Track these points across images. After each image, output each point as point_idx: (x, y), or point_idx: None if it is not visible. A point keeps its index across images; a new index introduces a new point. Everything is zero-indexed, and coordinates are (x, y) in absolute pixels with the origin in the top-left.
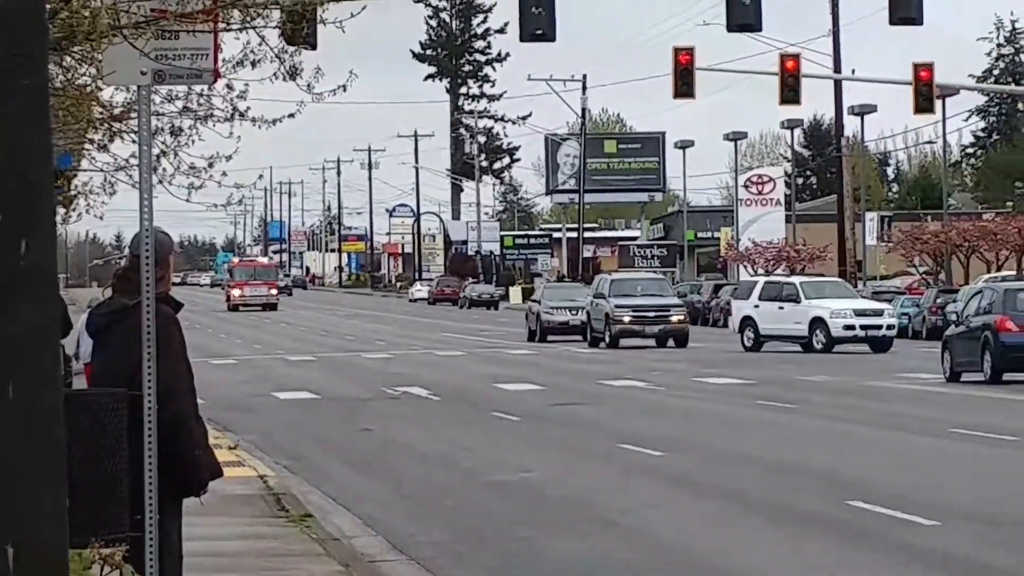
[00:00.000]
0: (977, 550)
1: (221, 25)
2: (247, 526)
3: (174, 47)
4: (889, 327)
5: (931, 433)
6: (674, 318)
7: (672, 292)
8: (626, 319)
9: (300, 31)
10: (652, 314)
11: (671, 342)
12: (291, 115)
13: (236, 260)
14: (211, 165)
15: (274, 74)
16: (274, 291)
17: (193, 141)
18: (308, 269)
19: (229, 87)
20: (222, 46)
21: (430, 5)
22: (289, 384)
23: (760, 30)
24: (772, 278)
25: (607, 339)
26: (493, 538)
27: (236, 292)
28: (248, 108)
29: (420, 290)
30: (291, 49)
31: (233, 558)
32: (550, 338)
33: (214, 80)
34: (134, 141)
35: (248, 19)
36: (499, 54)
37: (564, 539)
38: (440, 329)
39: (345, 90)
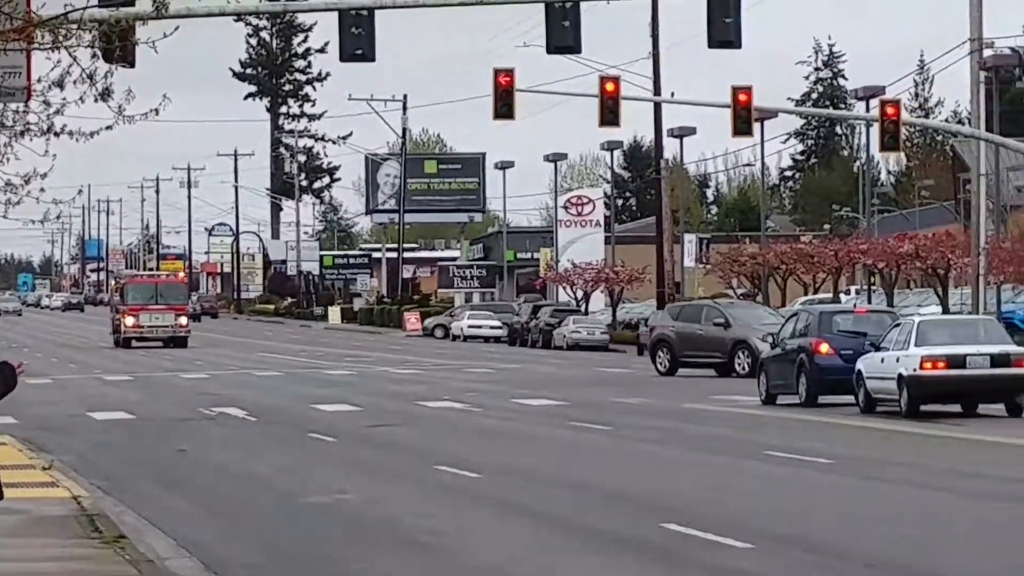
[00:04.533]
0: (790, 574)
1: (34, 44)
2: (60, 548)
3: None
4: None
5: (746, 456)
6: None
7: None
8: None
9: (113, 50)
10: None
11: None
12: (108, 127)
13: (129, 274)
14: (27, 182)
15: (81, 96)
16: (183, 319)
17: (8, 159)
18: None
19: (47, 103)
20: (34, 64)
21: (250, 24)
22: (105, 404)
23: (580, 52)
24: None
25: None
26: (307, 560)
27: (130, 320)
28: (65, 125)
29: None
30: (105, 69)
31: None
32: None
33: (27, 98)
34: None
35: (60, 40)
36: (319, 74)
37: (377, 561)
38: (258, 349)
39: (157, 114)
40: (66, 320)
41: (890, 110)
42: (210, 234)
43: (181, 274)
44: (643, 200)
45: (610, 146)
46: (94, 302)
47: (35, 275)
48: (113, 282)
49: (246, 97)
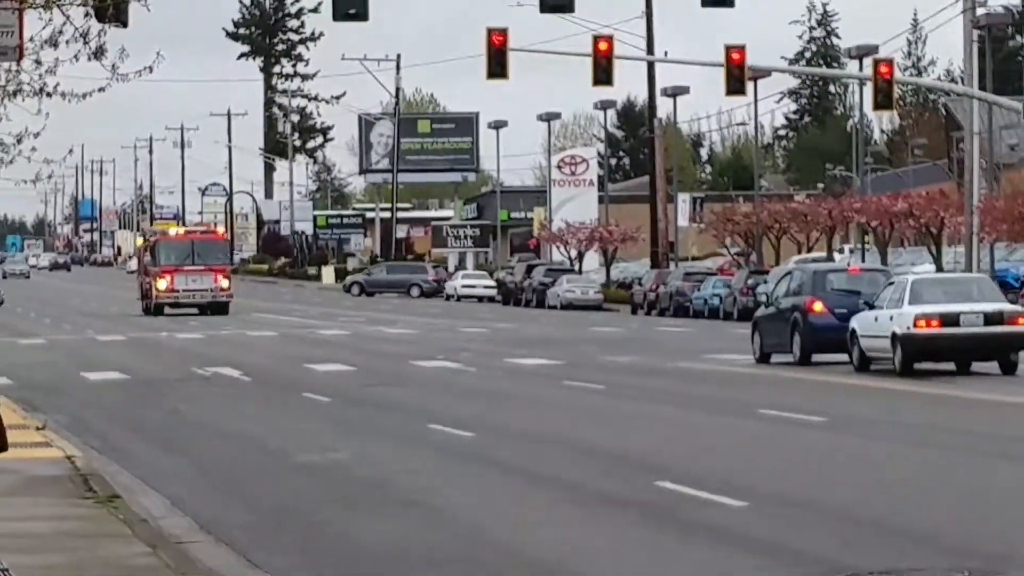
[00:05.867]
0: (783, 531)
1: (26, 3)
2: (54, 507)
3: None
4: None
5: (740, 414)
6: None
7: None
8: None
9: (106, 9)
10: None
11: None
12: (101, 89)
13: (163, 230)
14: (19, 141)
15: (75, 55)
16: (225, 281)
17: (0, 119)
18: (120, 248)
19: (38, 62)
20: (26, 24)
21: None
22: (99, 364)
23: (573, 11)
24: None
25: None
26: (300, 519)
27: (162, 283)
28: (57, 84)
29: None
30: (98, 28)
31: (39, 539)
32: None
33: (19, 57)
34: None
35: None
36: (312, 33)
37: (369, 520)
38: (252, 309)
39: (152, 71)
40: (59, 280)
41: (883, 69)
42: (203, 194)
43: (220, 227)
44: (636, 159)
45: (603, 105)
46: (82, 262)
47: (28, 236)
48: (141, 239)
49: (239, 57)
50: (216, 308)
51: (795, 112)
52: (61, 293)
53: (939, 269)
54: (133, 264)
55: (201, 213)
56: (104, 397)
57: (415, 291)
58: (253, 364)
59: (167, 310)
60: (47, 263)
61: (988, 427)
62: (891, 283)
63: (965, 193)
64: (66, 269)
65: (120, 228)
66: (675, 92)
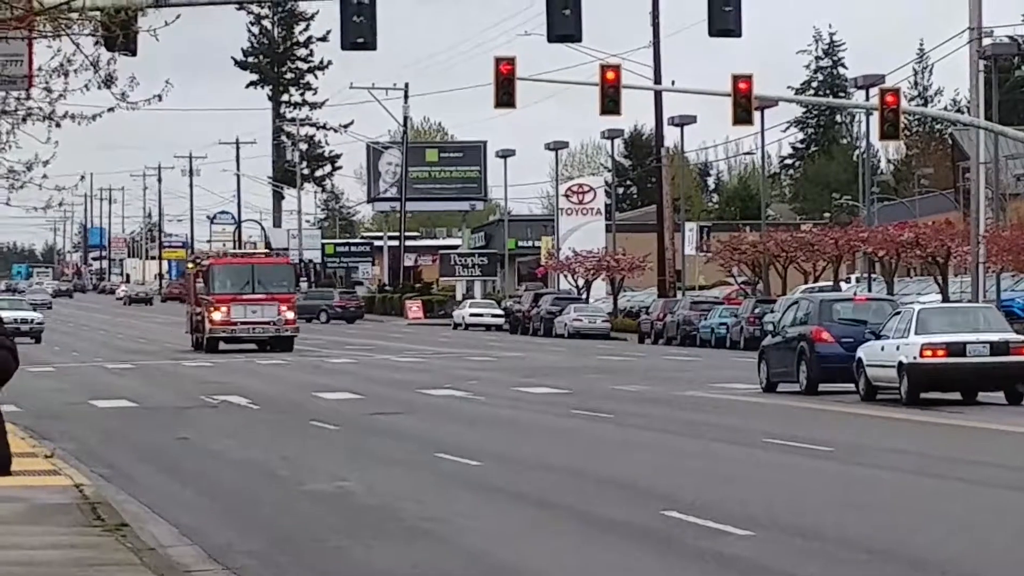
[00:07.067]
0: (789, 561)
1: (35, 33)
2: (62, 535)
3: None
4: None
5: (746, 443)
6: None
7: None
8: None
9: (116, 38)
10: None
11: None
12: (111, 109)
13: (215, 254)
14: (30, 168)
15: (87, 84)
16: (290, 313)
17: (11, 146)
18: (128, 276)
19: (48, 90)
20: (36, 52)
21: (252, 12)
22: (107, 392)
23: (580, 40)
24: None
25: None
26: (309, 547)
27: (218, 315)
28: (67, 111)
29: (123, 290)
30: (107, 56)
31: (47, 567)
32: None
33: (28, 86)
34: None
35: (63, 28)
36: (321, 62)
37: (378, 548)
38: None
39: (160, 99)
40: (68, 308)
41: (890, 98)
42: (212, 222)
43: (283, 253)
44: (644, 188)
45: (611, 134)
46: (84, 290)
47: (36, 264)
48: (191, 264)
49: (248, 85)
50: (279, 344)
51: (802, 141)
52: (72, 322)
53: (945, 299)
54: (122, 290)
55: (210, 241)
56: (113, 425)
57: (323, 316)
58: (261, 392)
59: (222, 345)
60: (50, 290)
61: (994, 457)
62: (897, 313)
63: (971, 223)
64: (68, 296)
65: (129, 256)
66: (682, 121)
